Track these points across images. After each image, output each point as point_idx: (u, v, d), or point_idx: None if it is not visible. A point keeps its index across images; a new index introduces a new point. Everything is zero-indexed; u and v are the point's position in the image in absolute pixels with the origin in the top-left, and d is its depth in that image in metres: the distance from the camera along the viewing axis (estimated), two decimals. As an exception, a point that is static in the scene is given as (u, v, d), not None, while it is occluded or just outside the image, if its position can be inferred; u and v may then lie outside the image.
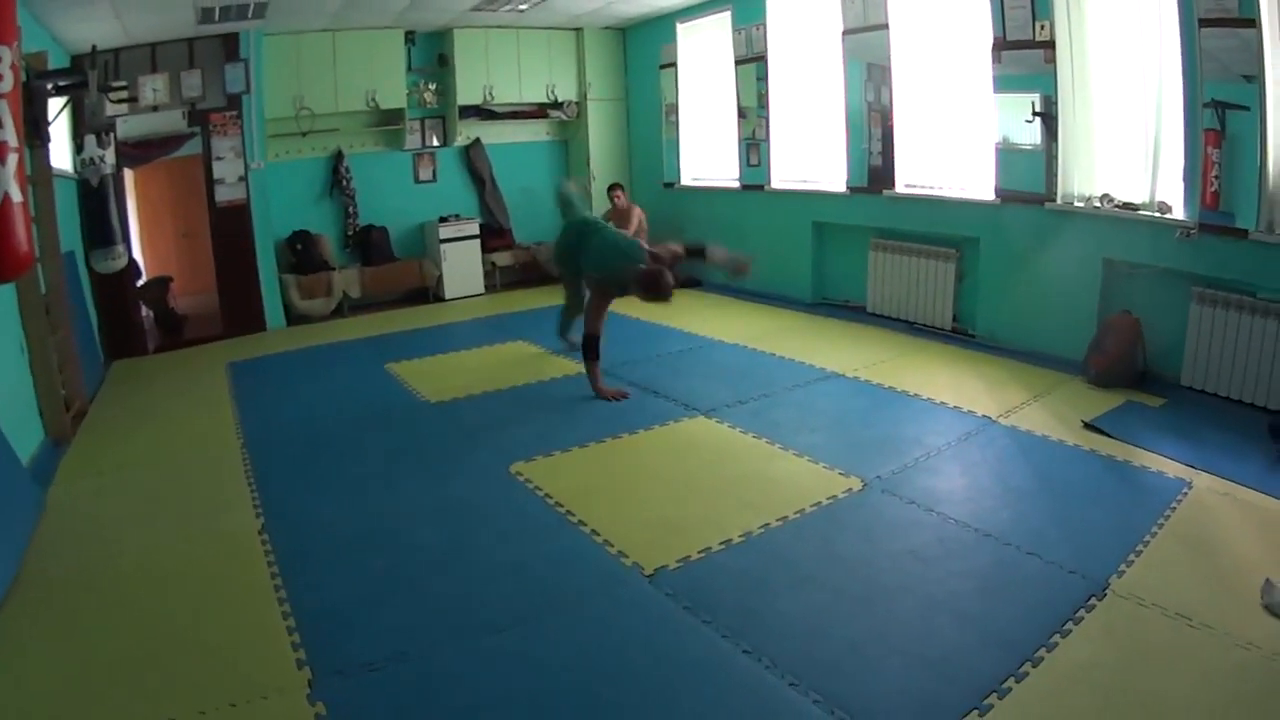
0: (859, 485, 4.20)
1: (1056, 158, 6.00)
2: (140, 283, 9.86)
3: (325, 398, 6.58)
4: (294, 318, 9.65)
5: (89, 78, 6.21)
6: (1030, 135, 6.20)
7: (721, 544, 3.68)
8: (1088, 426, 4.79)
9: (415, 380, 6.76)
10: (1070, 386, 5.58)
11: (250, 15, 8.33)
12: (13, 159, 3.62)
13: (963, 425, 4.96)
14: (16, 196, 3.64)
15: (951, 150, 6.95)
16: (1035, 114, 6.08)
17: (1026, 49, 6.07)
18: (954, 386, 5.65)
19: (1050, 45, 5.88)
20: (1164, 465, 4.24)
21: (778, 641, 2.93)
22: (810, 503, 4.04)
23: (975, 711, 2.49)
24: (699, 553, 3.62)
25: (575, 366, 6.67)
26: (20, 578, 3.85)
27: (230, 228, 9.29)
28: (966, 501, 3.98)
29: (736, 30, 9.04)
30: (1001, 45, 6.23)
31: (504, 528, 4.08)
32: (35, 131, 5.93)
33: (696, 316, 8.33)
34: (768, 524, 3.85)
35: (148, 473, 5.26)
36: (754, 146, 9.04)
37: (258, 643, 3.20)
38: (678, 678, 2.79)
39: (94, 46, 6.87)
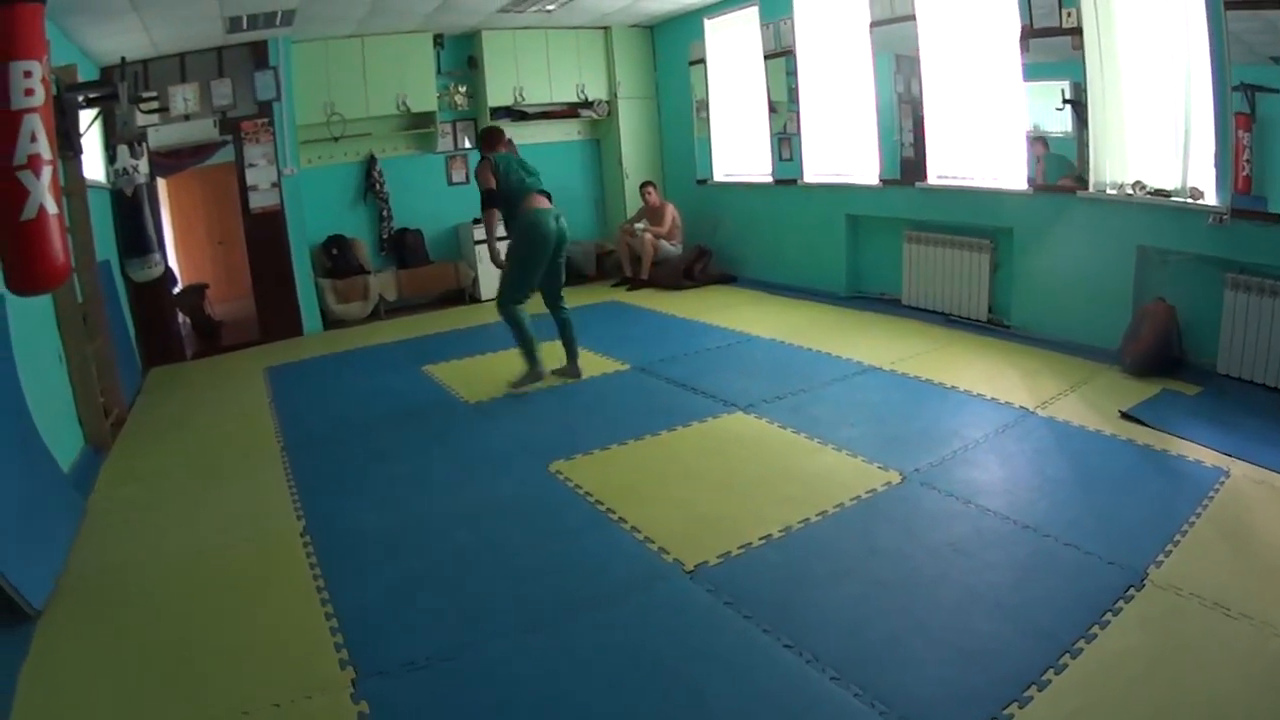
0: (898, 478, 4.23)
1: (1088, 145, 5.97)
2: (176, 290, 10.00)
3: (363, 400, 6.66)
4: (330, 322, 9.75)
5: (119, 89, 6.29)
6: (1061, 123, 6.18)
7: (762, 539, 3.72)
8: (1125, 416, 4.78)
9: (453, 381, 6.84)
10: (1106, 376, 5.56)
11: (278, 23, 8.45)
12: (47, 171, 3.67)
13: (1000, 417, 4.97)
14: (52, 209, 3.70)
15: (983, 140, 6.94)
16: (1065, 101, 6.06)
17: (1054, 36, 6.04)
18: (991, 378, 5.66)
19: (1077, 32, 5.85)
20: (1201, 454, 4.23)
21: (819, 635, 2.96)
22: (850, 496, 4.06)
23: (1015, 703, 2.52)
24: (739, 548, 3.65)
25: (613, 365, 6.77)
26: (63, 582, 3.94)
27: (265, 234, 9.41)
28: (1005, 493, 4.00)
29: (764, 25, 9.04)
30: (1029, 33, 6.21)
31: (544, 526, 4.14)
32: (67, 143, 6.00)
33: (732, 312, 8.36)
34: (807, 518, 3.88)
35: (187, 477, 5.36)
36: (785, 141, 9.04)
37: (301, 643, 3.27)
38: (719, 672, 2.83)
39: (123, 59, 6.96)
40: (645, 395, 6.09)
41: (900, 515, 3.87)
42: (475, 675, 2.96)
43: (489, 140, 6.58)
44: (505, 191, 6.28)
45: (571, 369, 6.67)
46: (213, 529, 4.49)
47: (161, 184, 10.90)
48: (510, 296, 6.39)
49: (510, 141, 6.72)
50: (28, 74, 3.58)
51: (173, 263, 10.91)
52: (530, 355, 6.46)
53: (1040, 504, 3.85)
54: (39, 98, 3.63)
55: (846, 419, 5.15)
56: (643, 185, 10.36)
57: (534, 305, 6.46)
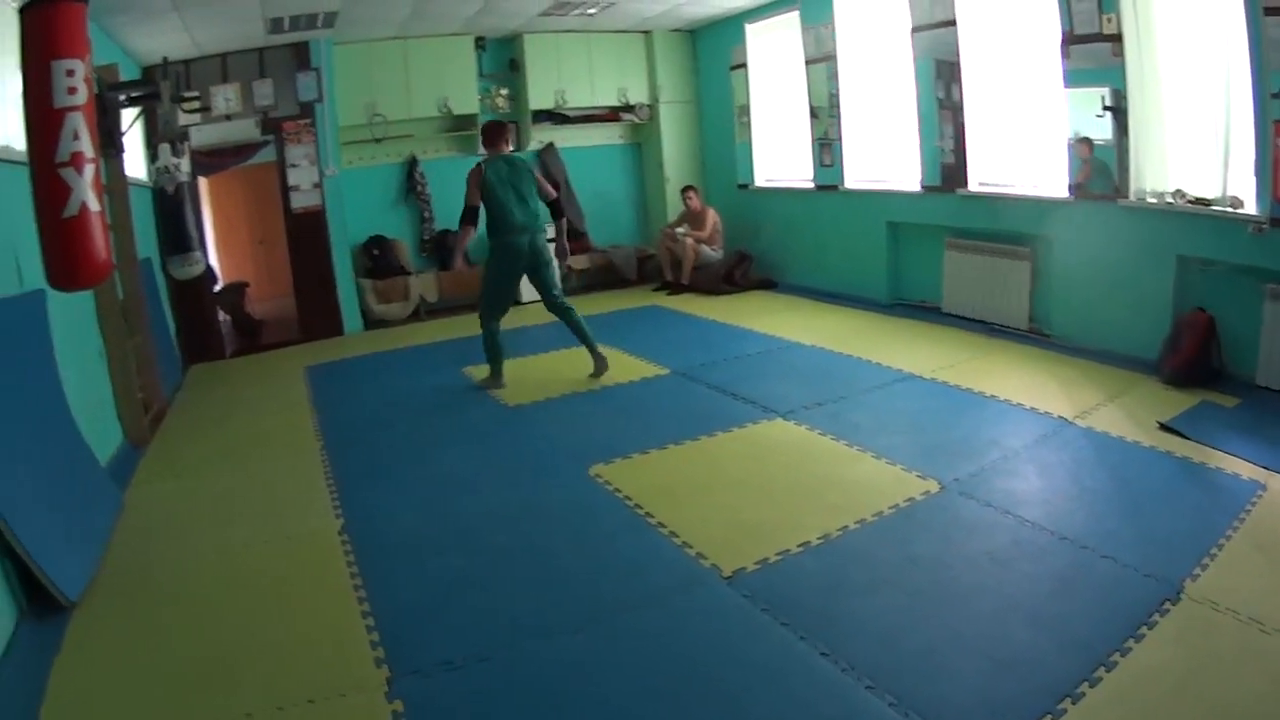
0: (936, 487, 4.25)
1: (1128, 152, 5.95)
2: (217, 288, 10.13)
3: (403, 401, 6.75)
4: (371, 322, 9.88)
5: (161, 89, 6.39)
6: (1102, 130, 6.16)
7: (800, 546, 3.75)
8: (1163, 427, 4.78)
9: (494, 383, 6.88)
10: (1145, 386, 5.56)
11: (320, 25, 8.59)
12: (89, 169, 3.76)
13: (1039, 427, 4.98)
14: (94, 206, 3.78)
15: (1023, 147, 6.91)
16: (1106, 108, 6.04)
17: (1094, 43, 6.02)
18: (1030, 387, 5.66)
19: (1117, 39, 5.83)
20: (1239, 467, 4.22)
21: (855, 643, 2.99)
22: (888, 505, 4.09)
23: (1048, 715, 2.54)
24: (777, 555, 3.69)
25: (653, 369, 6.83)
26: (100, 576, 4.03)
27: (306, 234, 9.55)
28: (1042, 504, 4.01)
29: (805, 30, 9.06)
30: (1070, 39, 6.20)
31: (582, 529, 4.19)
32: (109, 142, 6.06)
33: (773, 318, 8.39)
34: (846, 526, 3.91)
35: (226, 474, 5.47)
36: (826, 146, 9.04)
37: (337, 641, 3.32)
38: (755, 679, 2.86)
39: (165, 58, 7.09)
40: (685, 400, 6.13)
41: (938, 524, 3.90)
42: (511, 676, 3.01)
43: (490, 136, 6.73)
44: (488, 208, 6.50)
45: (597, 363, 6.84)
46: (250, 525, 4.58)
47: (203, 183, 11.11)
48: (486, 312, 6.74)
49: (509, 139, 6.82)
50: (70, 73, 3.67)
51: (214, 261, 11.07)
52: (495, 366, 6.84)
53: (1078, 515, 3.87)
54: (81, 96, 3.72)
55: (886, 427, 5.18)
56: (684, 190, 10.40)
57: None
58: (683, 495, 4.44)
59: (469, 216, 6.60)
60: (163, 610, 3.74)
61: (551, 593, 3.59)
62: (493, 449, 5.48)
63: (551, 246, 6.84)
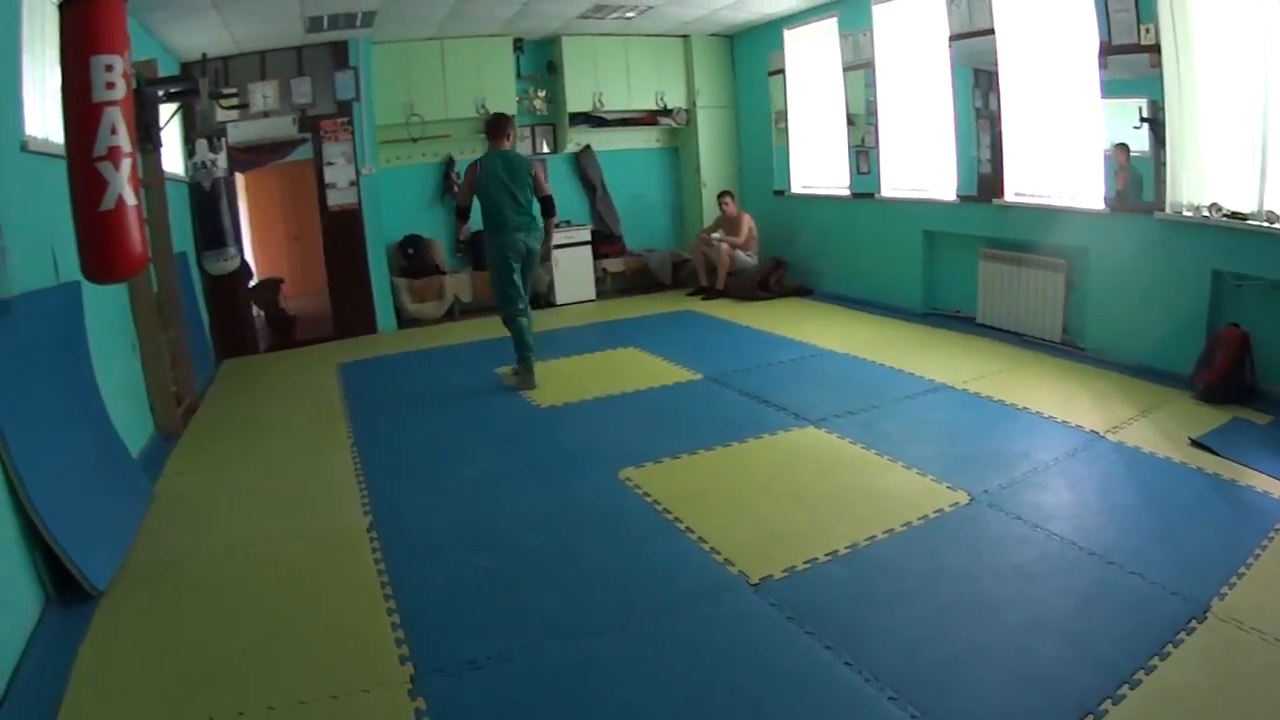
0: (966, 499, 4.25)
1: (1165, 165, 5.90)
2: (252, 284, 10.26)
3: (435, 399, 6.83)
4: (405, 321, 9.97)
5: (199, 85, 6.48)
6: (1139, 141, 6.12)
7: (828, 555, 3.76)
8: (1194, 444, 4.74)
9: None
10: (1178, 402, 5.52)
11: (358, 24, 8.69)
12: (126, 164, 3.77)
13: (1070, 440, 4.96)
14: (131, 200, 3.80)
15: (1060, 157, 6.87)
16: (1143, 119, 6.00)
17: (1132, 53, 5.98)
18: (1062, 400, 5.63)
19: (1155, 49, 5.78)
20: (1270, 485, 4.18)
21: (879, 654, 3.00)
22: (917, 516, 4.10)
23: (1072, 731, 2.55)
24: (805, 563, 3.70)
25: (686, 374, 6.86)
26: (128, 564, 4.12)
27: (342, 231, 9.66)
28: (1072, 518, 4.01)
29: (843, 36, 9.06)
30: (1108, 49, 6.16)
31: (610, 532, 4.23)
32: (147, 136, 6.08)
33: (808, 325, 8.40)
34: (874, 536, 3.92)
35: (256, 468, 5.57)
36: (864, 154, 9.03)
37: (361, 637, 3.36)
38: (778, 688, 2.88)
39: (204, 55, 7.19)
40: (717, 406, 6.15)
41: (967, 536, 3.90)
42: (535, 677, 3.04)
43: (491, 130, 6.85)
44: (482, 203, 6.70)
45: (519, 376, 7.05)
46: (279, 519, 4.66)
47: (240, 179, 11.24)
48: (502, 306, 6.97)
49: (510, 135, 6.90)
50: (109, 68, 3.69)
51: (249, 257, 11.21)
52: (523, 357, 6.93)
53: (1107, 530, 3.86)
54: (120, 91, 3.74)
55: (917, 437, 5.17)
56: (721, 194, 10.43)
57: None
58: (712, 501, 4.46)
59: (461, 214, 6.96)
60: (189, 601, 3.82)
61: (578, 595, 3.62)
62: (523, 449, 5.54)
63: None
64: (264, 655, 3.30)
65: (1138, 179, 6.19)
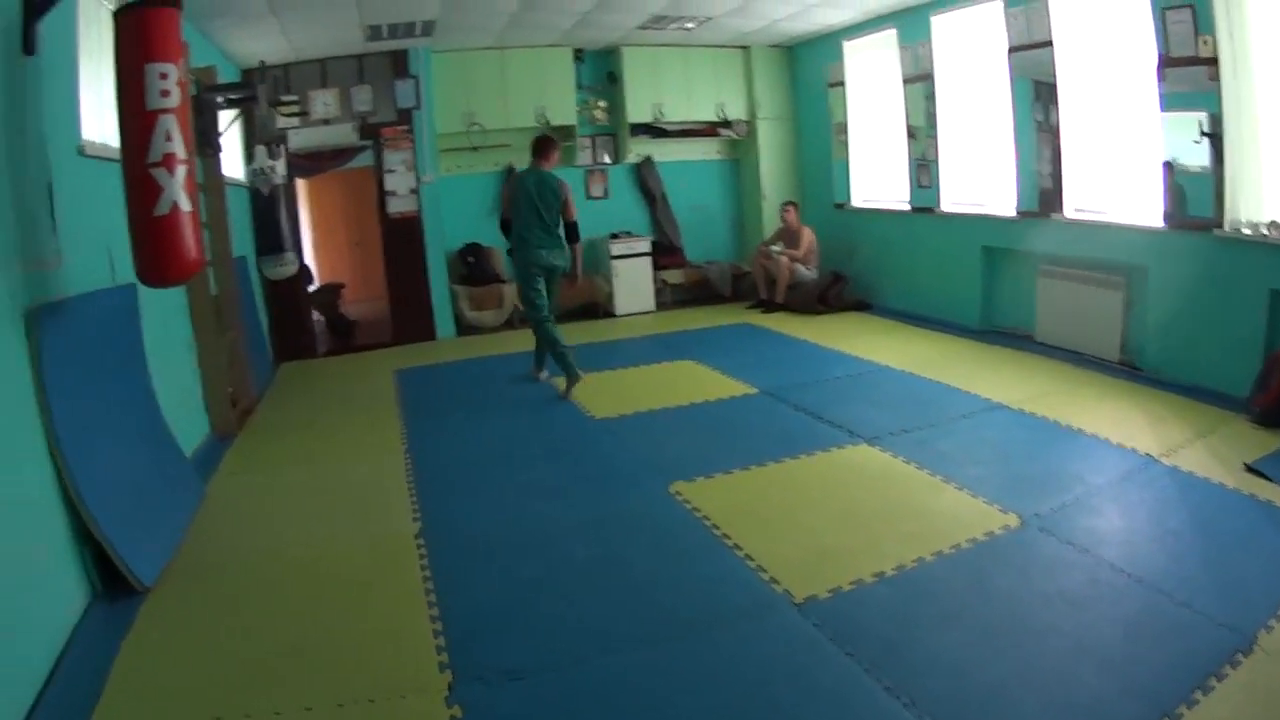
0: (1016, 522, 4.22)
1: (1224, 181, 5.79)
2: (312, 288, 10.45)
3: (490, 408, 6.93)
4: (464, 328, 10.10)
5: (258, 92, 6.63)
6: (1199, 157, 6.00)
7: (874, 576, 3.76)
8: (1249, 469, 4.67)
9: (582, 395, 7.00)
10: (1233, 425, 5.43)
11: (418, 33, 8.85)
12: (181, 170, 3.85)
13: (1124, 463, 4.91)
14: (185, 205, 3.87)
15: (1119, 172, 6.78)
16: (1203, 134, 5.89)
17: (1190, 66, 5.89)
18: (1118, 422, 5.57)
19: (1213, 61, 5.69)
20: (1325, 514, 4.12)
21: (920, 679, 3.00)
22: (967, 538, 4.08)
23: (1111, 762, 2.55)
24: (850, 583, 3.70)
25: (742, 388, 6.89)
26: (175, 562, 4.25)
27: (401, 238, 9.83)
28: (1122, 544, 3.98)
29: (903, 48, 9.04)
30: (1166, 62, 6.07)
31: (658, 546, 4.26)
32: (206, 142, 6.32)
33: (866, 341, 8.38)
34: (922, 557, 3.91)
35: (308, 470, 5.73)
36: (924, 167, 8.99)
37: (402, 642, 3.43)
38: (817, 708, 2.89)
39: (262, 62, 7.35)
40: (771, 421, 6.16)
41: (1016, 560, 3.88)
42: (574, 689, 3.08)
43: (536, 149, 7.11)
44: (512, 219, 7.10)
45: (533, 372, 7.66)
46: (328, 522, 4.78)
47: (302, 185, 11.48)
48: (529, 315, 7.32)
49: (551, 157, 7.12)
50: (163, 76, 3.77)
51: (310, 261, 11.41)
52: (562, 360, 7.08)
53: (1157, 558, 3.83)
54: (174, 99, 3.82)
55: (971, 457, 5.14)
56: (785, 204, 10.45)
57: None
58: (761, 517, 4.48)
59: (503, 227, 7.29)
60: (234, 600, 3.93)
61: (622, 608, 3.66)
62: (575, 460, 5.61)
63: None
64: (304, 657, 3.38)
65: (1180, 194, 6.13)
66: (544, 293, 7.11)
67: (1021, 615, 3.42)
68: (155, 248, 3.87)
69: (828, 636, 3.31)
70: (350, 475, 5.56)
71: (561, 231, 7.08)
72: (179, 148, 3.84)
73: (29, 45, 3.91)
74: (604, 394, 7.01)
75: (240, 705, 3.07)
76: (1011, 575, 3.75)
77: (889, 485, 4.85)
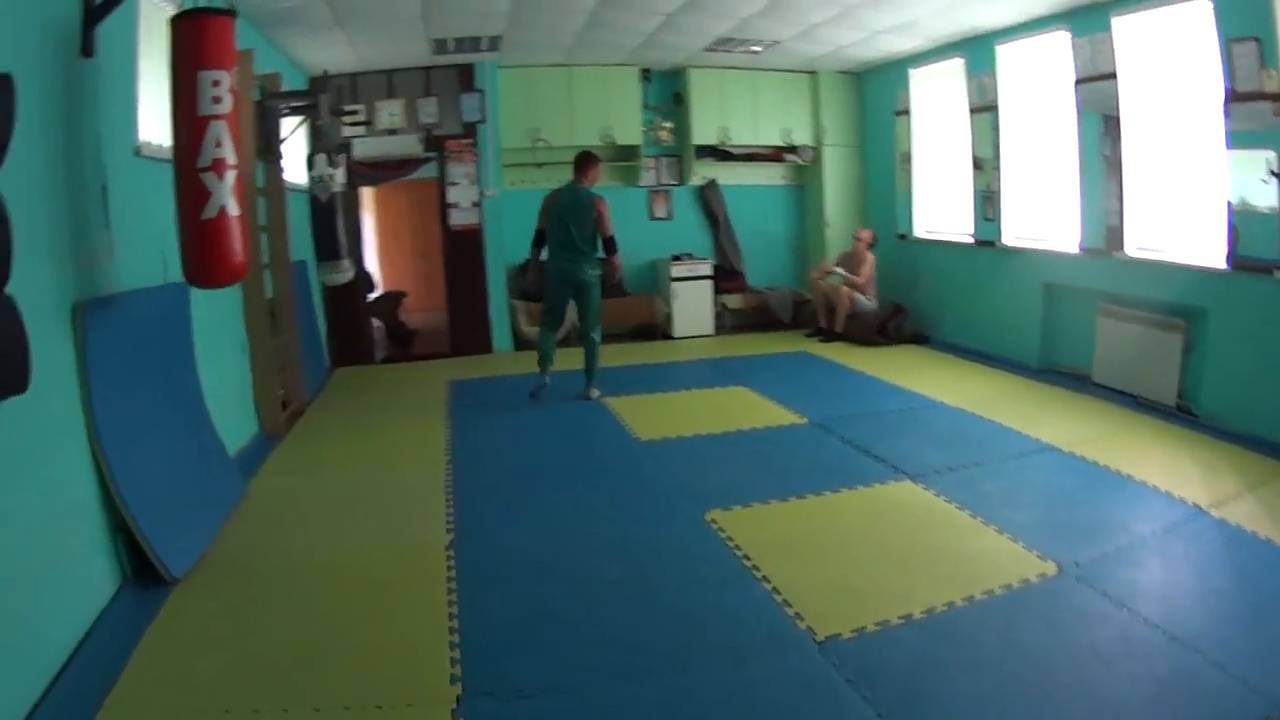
0: (1054, 570, 4.11)
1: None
2: (374, 296, 10.58)
3: (537, 424, 6.98)
4: (520, 343, 10.12)
5: (319, 101, 6.75)
6: (1267, 197, 5.81)
7: (901, 618, 3.68)
8: (1300, 526, 4.51)
9: (629, 416, 7.04)
10: (1289, 478, 5.27)
11: (484, 48, 8.95)
12: (230, 175, 3.96)
13: (1171, 513, 4.77)
14: (233, 210, 3.99)
15: (1182, 211, 6.60)
16: (1271, 173, 5.71)
17: (1255, 101, 5.72)
18: (1169, 470, 5.42)
19: (1279, 97, 5.54)
20: (1377, 579, 3.96)
21: (934, 730, 2.93)
22: (1001, 584, 3.98)
23: (1121, 830, 2.47)
24: (876, 624, 3.63)
25: (791, 417, 6.83)
26: (208, 556, 4.36)
27: (462, 251, 9.94)
28: (1161, 599, 3.85)
29: (969, 77, 8.93)
30: (1231, 97, 5.91)
31: (686, 573, 4.23)
32: (268, 147, 6.52)
33: (920, 374, 8.28)
34: (953, 602, 3.82)
35: (352, 476, 5.82)
36: (989, 199, 8.83)
37: (418, 652, 3.46)
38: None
39: (325, 72, 7.48)
40: (816, 452, 6.10)
41: (1049, 610, 3.78)
42: (580, 712, 3.07)
43: (576, 165, 7.55)
44: (547, 232, 7.44)
45: (583, 391, 7.69)
46: (362, 528, 4.86)
47: (368, 193, 11.71)
48: (540, 320, 7.81)
49: (589, 175, 7.43)
50: (215, 83, 3.88)
51: (374, 269, 11.53)
52: (540, 366, 7.73)
53: (1195, 616, 3.70)
54: (226, 106, 3.92)
55: (1015, 500, 5.02)
56: (863, 229, 10.36)
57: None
58: (794, 551, 4.42)
59: (536, 239, 7.60)
60: (259, 597, 4.01)
61: (642, 634, 3.64)
62: (615, 481, 5.61)
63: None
64: (320, 658, 3.43)
65: (1244, 235, 5.98)
66: (557, 304, 7.61)
67: (1048, 668, 3.33)
68: (202, 250, 3.99)
69: (845, 678, 3.25)
70: (390, 482, 5.64)
71: (591, 247, 7.35)
72: (229, 153, 3.96)
73: (87, 48, 4.04)
74: (651, 416, 7.01)
75: (251, 701, 3.14)
76: (1043, 626, 3.65)
77: (927, 525, 4.76)
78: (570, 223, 7.24)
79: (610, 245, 7.40)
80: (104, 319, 3.98)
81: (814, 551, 4.44)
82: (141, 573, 3.97)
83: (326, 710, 3.07)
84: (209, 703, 3.14)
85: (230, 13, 4.04)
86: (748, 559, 4.31)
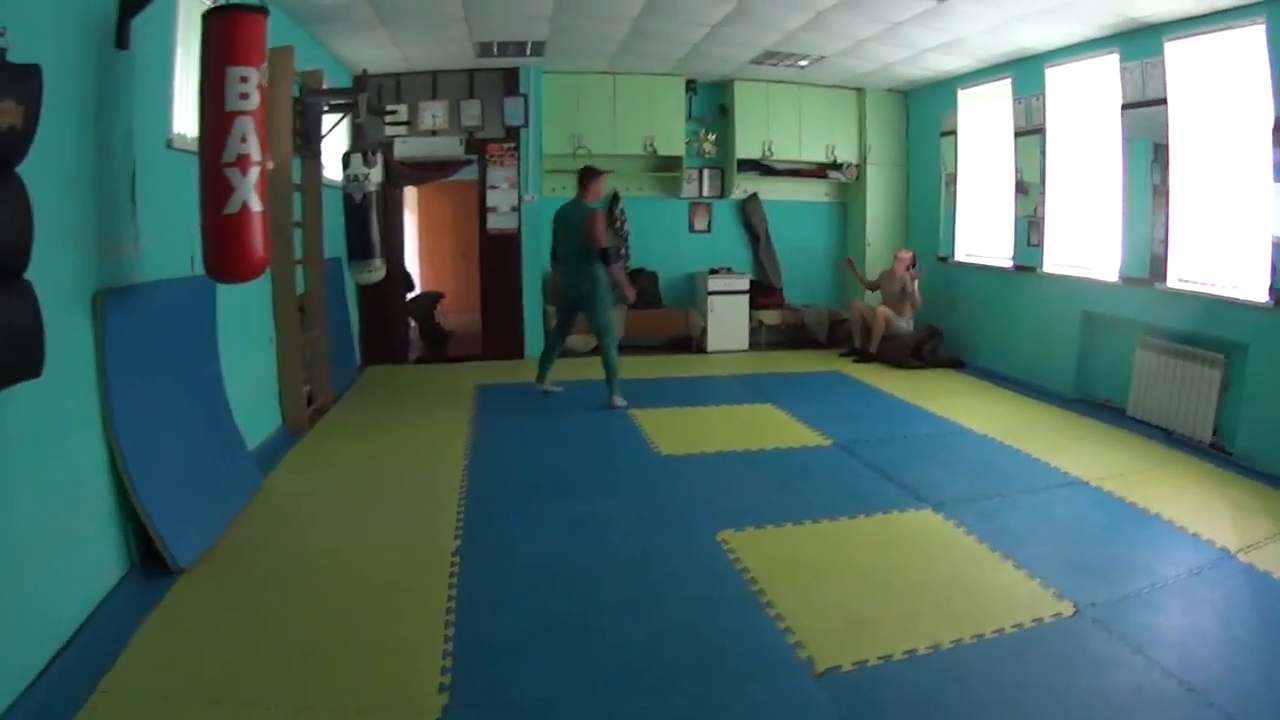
0: (1070, 610, 3.96)
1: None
2: (411, 295, 10.58)
3: (561, 433, 6.93)
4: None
5: (358, 100, 6.77)
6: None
7: (905, 653, 3.56)
8: (1331, 575, 4.33)
9: (653, 429, 6.97)
10: (1323, 524, 5.08)
11: (529, 52, 8.97)
12: (254, 171, 3.98)
13: (1197, 556, 4.59)
14: (256, 206, 4.00)
15: (1227, 243, 6.43)
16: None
17: None
18: (1198, 510, 5.24)
19: None
20: None
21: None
22: (1013, 623, 3.84)
23: None
24: (879, 658, 3.52)
25: (816, 438, 6.74)
26: (216, 548, 4.39)
27: (499, 255, 9.94)
28: (1179, 646, 3.69)
29: (1016, 100, 8.79)
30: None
31: (692, 593, 4.14)
32: (307, 144, 6.56)
33: (952, 400, 8.13)
34: (960, 639, 3.69)
35: (368, 475, 5.83)
36: (1034, 225, 8.65)
37: (412, 658, 3.43)
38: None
39: (364, 71, 7.51)
40: (838, 475, 5.98)
41: (1061, 653, 3.63)
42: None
43: (579, 180, 7.79)
44: (556, 247, 7.87)
45: (606, 401, 7.73)
46: (372, 528, 4.87)
47: (411, 193, 11.87)
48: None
49: (590, 189, 7.65)
50: (244, 79, 3.91)
51: (414, 268, 11.57)
52: (540, 368, 8.17)
53: (1215, 665, 3.53)
54: (253, 102, 3.96)
55: (1037, 535, 4.86)
56: (904, 250, 10.26)
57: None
58: (803, 576, 4.32)
59: (551, 253, 8.11)
60: (262, 592, 4.03)
61: (639, 653, 3.57)
62: (631, 496, 5.54)
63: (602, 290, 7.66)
64: (314, 657, 3.44)
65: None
66: (562, 316, 8.02)
67: (1054, 714, 3.19)
68: (223, 245, 4.01)
69: (840, 713, 3.15)
70: (406, 482, 5.65)
71: (589, 258, 7.50)
72: (254, 149, 3.98)
73: (122, 40, 4.07)
74: (675, 430, 6.94)
75: (241, 695, 3.17)
76: (1053, 669, 3.51)
77: (943, 556, 4.62)
78: (570, 236, 7.55)
79: (604, 256, 7.52)
80: (124, 307, 4.01)
81: (823, 578, 4.33)
82: (149, 561, 4.01)
83: (312, 710, 3.07)
84: (199, 691, 3.17)
85: (262, 10, 4.06)
86: (754, 582, 4.21)
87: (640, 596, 4.09)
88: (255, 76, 3.95)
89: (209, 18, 3.94)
